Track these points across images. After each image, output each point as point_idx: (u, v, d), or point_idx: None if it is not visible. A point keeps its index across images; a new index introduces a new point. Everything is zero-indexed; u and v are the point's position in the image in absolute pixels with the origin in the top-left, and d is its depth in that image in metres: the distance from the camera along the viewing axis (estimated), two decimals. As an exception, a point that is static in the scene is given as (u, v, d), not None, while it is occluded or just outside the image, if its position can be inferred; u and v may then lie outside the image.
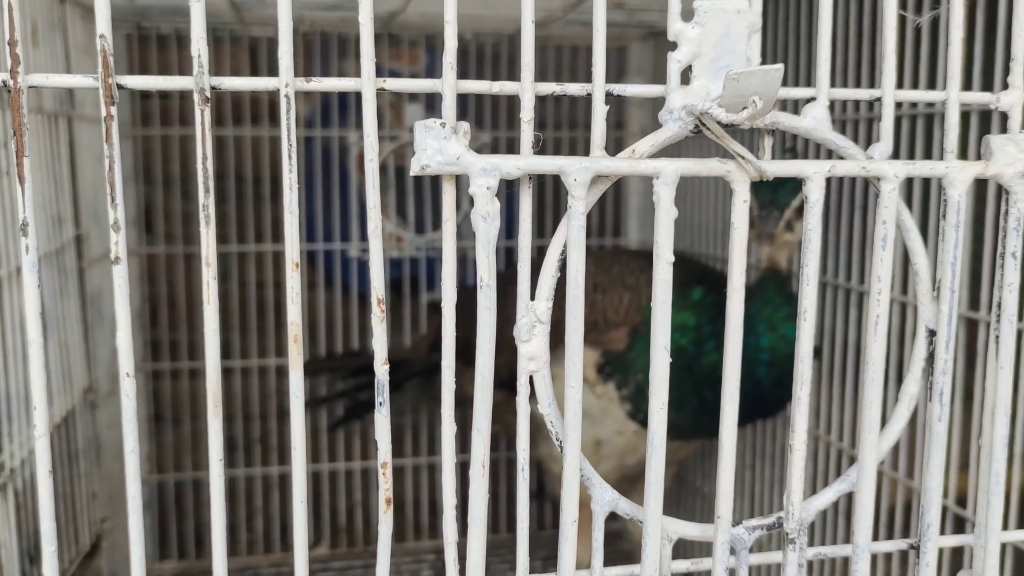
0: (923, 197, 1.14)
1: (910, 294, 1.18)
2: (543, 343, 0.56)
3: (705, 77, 0.56)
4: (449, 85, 0.53)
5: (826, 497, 0.62)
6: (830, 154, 0.60)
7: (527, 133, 0.54)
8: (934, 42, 1.10)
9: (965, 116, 1.04)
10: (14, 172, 1.12)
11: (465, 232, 1.84)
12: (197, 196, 1.83)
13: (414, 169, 0.53)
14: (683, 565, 0.61)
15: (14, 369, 1.09)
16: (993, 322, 0.62)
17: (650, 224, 1.91)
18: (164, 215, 1.83)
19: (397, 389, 1.74)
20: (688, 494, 1.81)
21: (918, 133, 1.15)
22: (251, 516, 1.87)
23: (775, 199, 1.20)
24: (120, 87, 0.50)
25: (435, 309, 1.91)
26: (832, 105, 0.60)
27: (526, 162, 0.53)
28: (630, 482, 1.50)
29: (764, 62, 0.55)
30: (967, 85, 1.04)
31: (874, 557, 0.97)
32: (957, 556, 1.06)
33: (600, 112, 0.55)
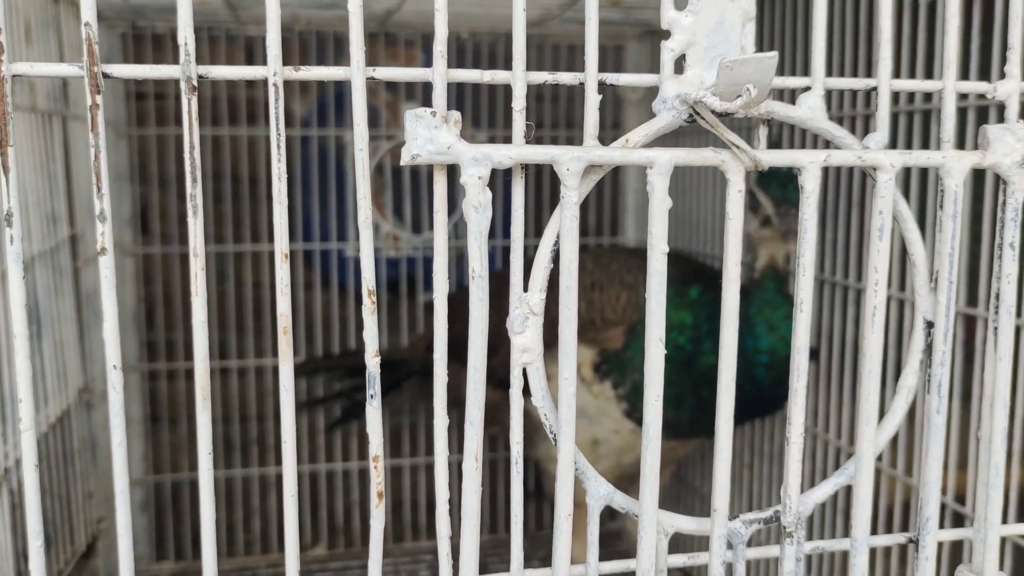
0: (920, 193, 1.13)
1: (908, 290, 1.17)
2: (536, 335, 0.55)
3: (699, 66, 0.55)
4: (439, 74, 0.52)
5: (823, 490, 0.61)
6: (827, 145, 0.59)
7: (519, 122, 0.53)
8: (931, 34, 1.10)
9: (962, 112, 1.04)
10: (10, 169, 1.11)
11: (460, 232, 1.83)
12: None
13: (404, 159, 0.52)
14: (680, 559, 0.60)
15: (8, 370, 1.08)
16: (991, 313, 0.62)
17: (646, 223, 1.90)
18: (160, 215, 1.82)
19: (395, 389, 1.73)
20: (687, 493, 1.80)
21: (915, 130, 1.15)
22: (248, 517, 1.86)
23: (786, 196, 1.20)
24: (106, 76, 0.49)
25: (432, 309, 1.90)
26: (829, 101, 0.59)
27: (518, 151, 0.52)
28: (628, 481, 1.49)
29: (759, 51, 0.54)
30: (964, 77, 1.04)
31: (872, 554, 0.96)
32: (956, 554, 1.06)
33: (593, 101, 0.54)
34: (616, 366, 1.36)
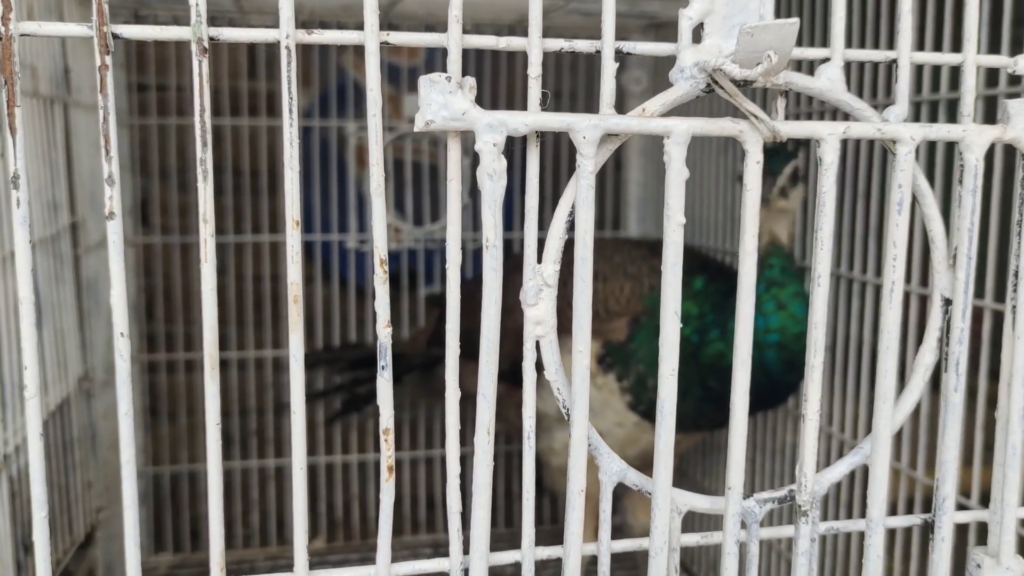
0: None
1: (912, 284, 1.16)
2: (550, 307, 0.54)
3: (717, 35, 0.54)
4: (454, 39, 0.51)
5: (839, 470, 0.60)
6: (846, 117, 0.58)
7: (535, 90, 0.53)
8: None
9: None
10: (8, 154, 1.10)
11: (464, 223, 1.82)
12: (194, 187, 1.81)
13: (418, 125, 0.51)
14: (693, 538, 0.60)
15: (8, 357, 1.07)
16: (1010, 291, 0.61)
17: (649, 217, 1.90)
18: (161, 206, 1.81)
19: (395, 382, 1.72)
20: (689, 488, 1.79)
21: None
22: (247, 510, 1.85)
23: (769, 167, 1.19)
24: (115, 36, 0.48)
25: (433, 302, 1.89)
26: (848, 79, 0.58)
27: (533, 119, 0.52)
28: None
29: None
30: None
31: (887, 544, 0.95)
32: (960, 548, 1.05)
33: (609, 70, 0.53)
34: (620, 358, 1.35)
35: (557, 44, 0.53)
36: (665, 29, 1.76)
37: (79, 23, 0.48)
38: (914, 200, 0.59)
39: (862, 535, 0.60)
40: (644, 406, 1.35)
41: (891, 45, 1.18)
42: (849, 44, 1.24)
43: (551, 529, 1.88)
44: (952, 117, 1.12)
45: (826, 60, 0.57)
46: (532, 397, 0.54)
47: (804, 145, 1.24)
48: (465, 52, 0.52)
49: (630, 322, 1.36)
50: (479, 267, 1.77)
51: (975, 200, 0.58)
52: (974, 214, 0.58)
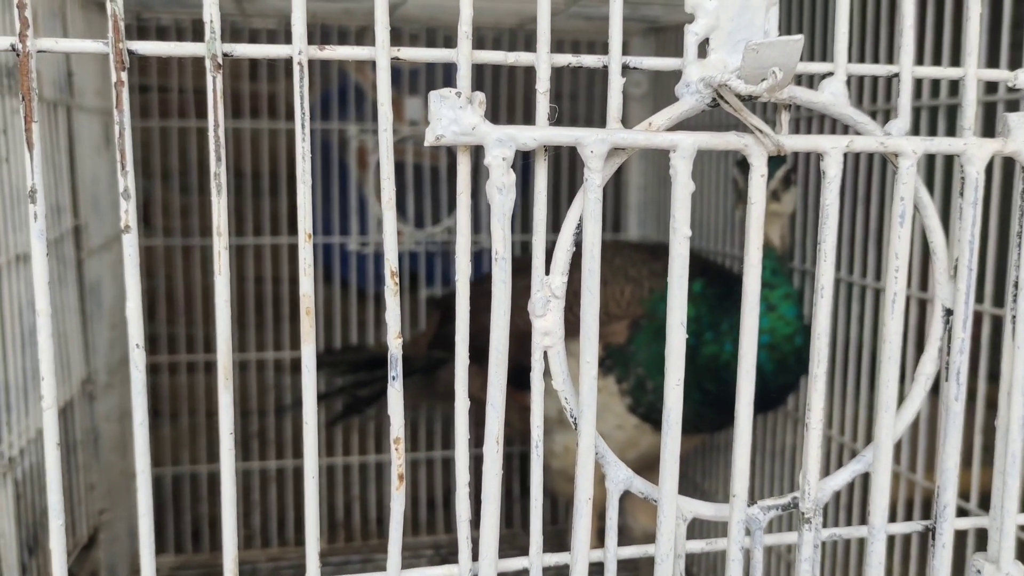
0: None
1: (912, 288, 1.17)
2: (558, 318, 0.55)
3: (723, 50, 0.55)
4: (464, 55, 0.52)
5: (842, 477, 0.61)
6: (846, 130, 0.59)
7: (543, 104, 0.53)
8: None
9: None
10: (13, 158, 1.11)
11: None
12: (195, 190, 1.81)
13: (428, 139, 0.52)
14: (697, 545, 0.60)
15: (13, 359, 1.08)
16: (1009, 302, 0.62)
17: (650, 221, 1.90)
18: (162, 208, 1.82)
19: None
20: (688, 490, 1.80)
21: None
22: (248, 511, 1.86)
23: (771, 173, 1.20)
24: (131, 53, 0.49)
25: (434, 305, 1.90)
26: (848, 84, 0.59)
27: (542, 133, 0.52)
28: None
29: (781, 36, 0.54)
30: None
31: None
32: (960, 549, 1.06)
33: (616, 84, 0.54)
34: (620, 361, 1.36)
35: (565, 59, 0.54)
36: (665, 33, 1.77)
37: (94, 40, 0.48)
38: (915, 210, 0.60)
39: (861, 540, 0.61)
40: (644, 408, 1.36)
41: (890, 51, 1.19)
42: (849, 53, 1.25)
43: (550, 531, 1.89)
44: (951, 123, 1.13)
45: (829, 74, 0.58)
46: (540, 407, 0.55)
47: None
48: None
49: (630, 325, 1.37)
50: (479, 270, 1.77)
51: (976, 212, 0.59)
52: (975, 226, 0.59)
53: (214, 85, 0.49)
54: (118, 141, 0.48)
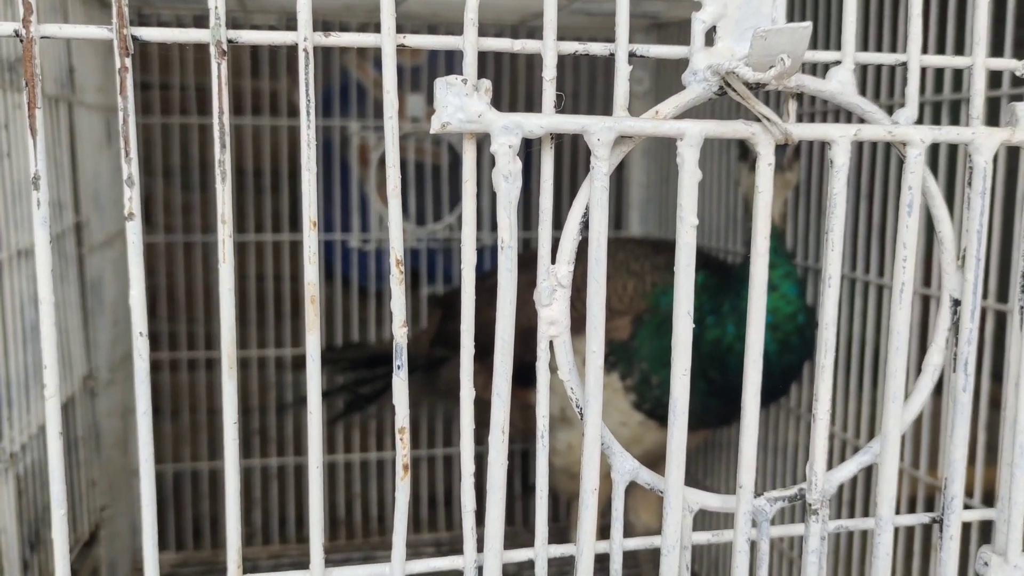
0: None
1: (915, 283, 1.17)
2: (564, 307, 0.55)
3: (730, 38, 0.55)
4: (470, 42, 0.52)
5: (848, 469, 0.61)
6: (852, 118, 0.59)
7: (549, 92, 0.53)
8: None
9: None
10: (15, 153, 1.11)
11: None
12: (196, 187, 1.80)
13: (434, 127, 0.51)
14: (704, 537, 0.60)
15: (14, 354, 1.08)
16: (1016, 293, 0.61)
17: (652, 218, 1.90)
18: (164, 205, 1.81)
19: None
20: (690, 486, 1.79)
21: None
22: (250, 508, 1.86)
23: None
24: (135, 39, 0.48)
25: (435, 302, 1.90)
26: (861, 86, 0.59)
27: (548, 121, 0.52)
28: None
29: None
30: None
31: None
32: (964, 546, 1.05)
33: (623, 72, 0.54)
34: (623, 357, 1.35)
35: (572, 47, 0.54)
36: (667, 29, 1.77)
37: (97, 25, 0.48)
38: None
39: (864, 533, 0.61)
40: (649, 404, 1.35)
41: (894, 43, 1.18)
42: (858, 43, 1.25)
43: (552, 528, 1.88)
44: (955, 118, 1.13)
45: (837, 63, 0.58)
46: (546, 397, 0.55)
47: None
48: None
49: (633, 320, 1.36)
50: (482, 264, 1.77)
51: (984, 202, 0.58)
52: (983, 216, 0.59)
53: (219, 72, 0.48)
54: (122, 128, 0.47)
